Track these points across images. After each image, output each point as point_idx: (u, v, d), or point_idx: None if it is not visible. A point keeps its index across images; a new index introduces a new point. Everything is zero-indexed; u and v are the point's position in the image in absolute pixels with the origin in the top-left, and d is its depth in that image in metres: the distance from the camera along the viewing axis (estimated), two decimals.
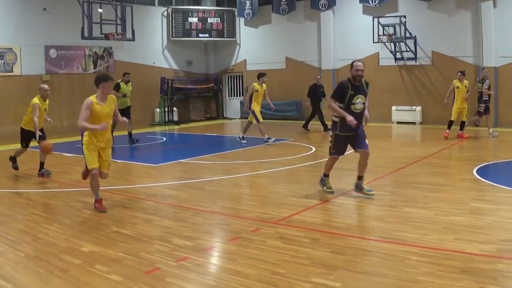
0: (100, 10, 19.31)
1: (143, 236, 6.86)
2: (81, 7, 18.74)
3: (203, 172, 11.83)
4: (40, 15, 20.59)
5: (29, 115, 11.13)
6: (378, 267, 5.48)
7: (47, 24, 20.79)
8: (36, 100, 11.16)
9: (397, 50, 21.72)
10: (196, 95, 27.26)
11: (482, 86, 16.26)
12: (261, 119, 15.95)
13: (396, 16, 20.88)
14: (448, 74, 20.39)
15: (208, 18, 26.46)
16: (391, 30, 21.06)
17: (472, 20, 20.25)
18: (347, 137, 8.61)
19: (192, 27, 26.20)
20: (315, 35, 24.57)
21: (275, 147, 15.34)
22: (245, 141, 16.24)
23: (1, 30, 19.67)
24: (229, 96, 28.65)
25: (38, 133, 11.04)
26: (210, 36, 26.71)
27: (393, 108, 22.07)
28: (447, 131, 16.34)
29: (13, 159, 11.88)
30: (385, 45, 21.45)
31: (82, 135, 8.28)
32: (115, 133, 13.75)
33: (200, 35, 26.45)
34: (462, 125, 16.41)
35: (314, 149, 14.74)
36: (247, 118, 16.99)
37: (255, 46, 26.72)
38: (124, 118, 8.78)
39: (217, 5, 27.85)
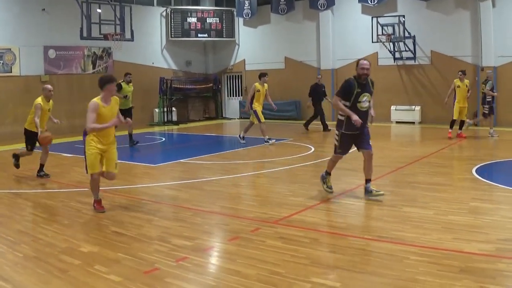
0: (99, 10, 19.33)
1: (142, 236, 6.85)
2: (80, 7, 18.75)
3: (202, 172, 11.83)
4: (39, 16, 20.59)
5: (32, 115, 11.06)
6: (378, 266, 5.47)
7: (46, 25, 20.80)
8: (39, 100, 11.07)
9: (396, 49, 21.75)
10: (195, 95, 27.26)
11: (485, 87, 16.23)
12: (262, 119, 15.93)
13: (395, 16, 20.91)
14: (447, 74, 20.42)
15: (207, 18, 26.46)
16: (390, 30, 21.08)
17: (471, 19, 20.27)
18: (353, 135, 8.52)
19: (191, 27, 26.21)
20: (314, 35, 24.58)
21: (274, 147, 15.34)
22: (244, 141, 16.24)
23: (0, 30, 19.69)
24: (228, 96, 28.65)
25: (39, 130, 10.92)
26: (209, 36, 26.71)
27: (392, 107, 22.08)
28: (450, 130, 16.32)
29: (16, 156, 11.75)
30: (384, 44, 21.46)
31: (84, 141, 8.13)
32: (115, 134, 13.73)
33: (199, 35, 26.46)
34: (462, 124, 16.41)
35: (313, 149, 14.74)
36: (248, 118, 16.99)
37: (254, 46, 26.73)
38: (128, 119, 8.69)
39: (216, 5, 27.85)
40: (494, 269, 5.26)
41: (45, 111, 11.13)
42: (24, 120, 19.22)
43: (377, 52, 22.28)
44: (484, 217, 7.30)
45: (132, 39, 20.55)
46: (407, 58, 21.72)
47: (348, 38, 23.49)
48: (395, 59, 21.84)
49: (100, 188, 8.41)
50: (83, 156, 8.18)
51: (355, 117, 8.18)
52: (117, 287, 5.12)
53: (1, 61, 19.72)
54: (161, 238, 6.72)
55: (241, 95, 27.73)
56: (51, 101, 11.41)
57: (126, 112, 14.87)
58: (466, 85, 16.25)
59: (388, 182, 9.90)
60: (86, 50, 22.42)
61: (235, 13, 26.82)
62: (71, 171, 12.14)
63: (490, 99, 16.21)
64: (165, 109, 25.04)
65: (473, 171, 10.73)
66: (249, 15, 26.20)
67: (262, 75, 16.16)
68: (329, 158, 9.30)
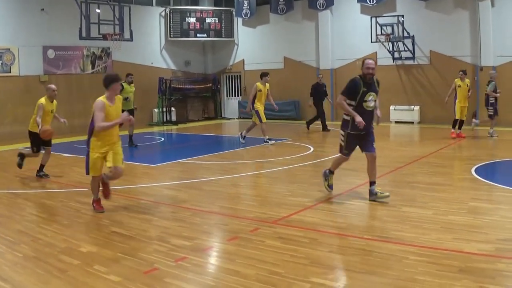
0: (98, 11, 19.31)
1: (142, 236, 6.85)
2: (79, 7, 18.73)
3: (202, 172, 11.83)
4: (38, 16, 20.59)
5: (34, 116, 10.98)
6: (377, 266, 5.47)
7: (45, 25, 20.80)
8: (42, 100, 10.99)
9: (395, 49, 21.77)
10: (194, 95, 27.25)
11: (487, 88, 16.19)
12: (264, 119, 15.88)
13: (394, 16, 20.91)
14: (446, 74, 20.45)
15: (206, 18, 26.47)
16: (389, 30, 21.09)
17: (470, 19, 20.28)
18: (358, 136, 8.39)
19: (190, 27, 26.21)
20: (313, 35, 24.59)
21: (273, 147, 15.34)
22: (243, 141, 16.22)
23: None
24: (227, 96, 28.65)
25: (40, 126, 10.79)
26: (208, 36, 26.71)
27: (391, 107, 22.08)
28: (453, 130, 16.30)
29: (21, 155, 11.63)
30: (383, 44, 21.47)
31: (89, 141, 8.10)
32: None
33: (198, 35, 26.46)
34: (461, 124, 16.41)
35: (312, 149, 14.74)
36: (250, 118, 16.96)
37: (253, 46, 26.73)
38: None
39: (215, 5, 27.85)
40: (494, 269, 5.27)
41: (47, 111, 11.03)
42: (24, 120, 19.30)
43: (376, 52, 22.26)
44: (483, 217, 7.30)
45: (131, 39, 20.54)
46: (406, 58, 21.74)
47: (347, 38, 23.50)
48: (394, 59, 21.86)
49: (100, 188, 8.39)
50: (85, 157, 8.15)
51: (358, 119, 8.08)
52: (117, 287, 5.12)
53: (0, 61, 19.72)
54: (160, 238, 6.72)
55: (240, 95, 27.74)
56: (55, 101, 11.31)
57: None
58: (467, 85, 16.24)
59: (387, 182, 9.90)
60: (85, 50, 22.41)
61: (234, 13, 26.82)
62: (71, 171, 12.14)
63: (493, 101, 16.13)
64: (164, 109, 25.04)
65: (473, 171, 10.74)
66: (248, 15, 26.20)
67: (263, 74, 16.11)
68: (332, 157, 9.27)
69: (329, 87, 21.95)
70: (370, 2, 22.23)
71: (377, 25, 20.98)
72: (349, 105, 8.29)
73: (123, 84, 15.60)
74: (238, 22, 27.13)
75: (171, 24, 25.90)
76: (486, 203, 8.16)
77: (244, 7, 26.20)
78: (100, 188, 8.32)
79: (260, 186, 10.66)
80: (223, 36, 27.00)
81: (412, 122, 21.57)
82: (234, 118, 27.23)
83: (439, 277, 5.08)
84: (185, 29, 26.11)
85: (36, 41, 20.60)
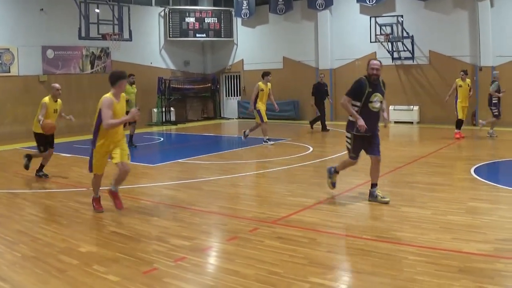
0: (97, 10, 19.31)
1: (141, 236, 6.85)
2: (78, 7, 18.73)
3: (201, 172, 11.83)
4: (37, 16, 20.59)
5: (37, 115, 10.90)
6: (376, 266, 5.47)
7: (44, 25, 20.80)
8: (46, 99, 10.93)
9: (394, 49, 21.77)
10: (194, 95, 27.25)
11: (490, 88, 16.17)
12: (265, 119, 15.84)
13: (393, 16, 20.91)
14: (445, 74, 20.48)
15: (205, 18, 26.47)
16: (388, 30, 21.08)
17: (469, 19, 20.29)
18: (364, 138, 8.28)
19: (189, 27, 26.21)
20: (312, 35, 24.59)
21: (273, 147, 15.34)
22: (244, 139, 16.17)
23: None
24: (226, 96, 28.64)
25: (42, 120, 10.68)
26: (207, 36, 26.71)
27: (391, 107, 22.04)
28: (457, 131, 16.26)
29: (28, 156, 11.50)
30: (382, 44, 21.47)
31: (94, 141, 7.88)
32: None
33: (197, 35, 26.46)
34: (461, 124, 16.38)
35: (312, 149, 14.74)
36: (247, 118, 16.93)
37: (252, 46, 26.73)
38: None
39: (214, 5, 27.84)
40: (493, 269, 5.27)
41: (51, 111, 10.93)
42: (23, 120, 19.36)
43: (375, 52, 22.24)
44: (482, 217, 7.30)
45: (130, 39, 20.54)
46: (406, 58, 21.74)
47: (346, 38, 23.51)
48: (393, 59, 21.85)
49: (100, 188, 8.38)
50: (90, 155, 8.05)
51: (360, 122, 8.00)
52: (116, 287, 5.12)
53: (0, 61, 19.70)
54: (160, 238, 6.72)
55: (240, 95, 27.73)
56: (59, 100, 11.23)
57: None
58: (468, 85, 16.23)
59: (386, 182, 9.90)
60: (85, 50, 22.41)
61: (233, 13, 26.81)
62: (70, 171, 12.14)
63: (496, 101, 16.10)
64: (164, 109, 25.04)
65: (472, 171, 10.74)
66: (247, 15, 26.20)
67: (265, 74, 16.06)
68: (331, 157, 9.25)
69: (328, 87, 21.93)
70: (370, 2, 22.23)
71: (377, 25, 20.97)
72: (354, 105, 8.20)
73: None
74: (237, 22, 27.13)
75: (170, 24, 25.90)
76: (485, 203, 8.16)
77: (243, 7, 26.20)
78: (103, 199, 8.23)
79: (260, 186, 10.66)
80: (222, 36, 27.00)
81: (412, 122, 21.57)
82: (233, 118, 27.23)
83: (438, 277, 5.08)
84: (184, 29, 26.11)
85: (35, 41, 20.60)
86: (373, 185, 8.43)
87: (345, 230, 7.01)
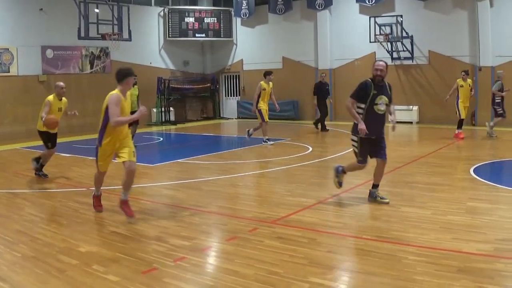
0: (96, 10, 19.32)
1: (140, 236, 6.85)
2: (77, 7, 18.73)
3: (200, 172, 11.83)
4: (36, 16, 20.57)
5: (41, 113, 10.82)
6: (376, 266, 5.47)
7: (44, 25, 20.78)
8: (50, 97, 10.84)
9: (393, 49, 21.77)
10: (193, 95, 27.24)
11: (493, 87, 16.14)
12: (266, 119, 15.79)
13: (393, 16, 20.91)
14: (445, 74, 20.49)
15: (205, 18, 26.45)
16: (387, 30, 21.09)
17: (469, 19, 20.29)
18: (371, 141, 8.20)
19: (189, 27, 26.20)
20: (312, 35, 24.59)
21: (272, 147, 15.32)
22: (248, 139, 16.10)
23: None
24: (225, 96, 28.64)
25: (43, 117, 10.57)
26: (207, 36, 26.70)
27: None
28: (460, 131, 16.22)
29: (37, 159, 11.35)
30: (381, 44, 21.46)
31: (101, 139, 7.66)
32: None
33: (197, 35, 26.45)
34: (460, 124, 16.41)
35: (311, 149, 14.73)
36: (245, 117, 16.88)
37: (252, 46, 26.73)
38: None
39: (213, 5, 27.84)
40: (492, 269, 5.27)
41: (55, 109, 10.84)
42: (23, 120, 19.34)
43: (374, 52, 22.26)
44: (482, 217, 7.30)
45: (129, 39, 20.54)
46: (405, 58, 21.73)
47: (346, 38, 23.50)
48: (392, 59, 21.83)
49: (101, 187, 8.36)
50: (95, 153, 7.88)
51: (361, 126, 7.96)
52: (115, 287, 5.12)
53: None
54: (159, 238, 6.72)
55: (239, 95, 27.72)
56: (64, 99, 11.13)
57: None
58: (469, 85, 16.24)
59: (386, 182, 9.88)
60: (84, 50, 22.39)
61: (232, 13, 26.80)
62: (70, 171, 12.13)
63: (499, 100, 16.09)
64: (163, 109, 25.03)
65: (471, 171, 10.74)
66: (247, 15, 26.19)
67: (267, 73, 16.00)
68: (330, 157, 9.21)
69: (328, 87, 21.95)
70: (369, 2, 22.22)
71: (376, 25, 20.97)
72: (359, 108, 8.13)
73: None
74: (236, 22, 27.12)
75: (170, 24, 25.89)
76: (485, 203, 8.16)
77: (242, 7, 26.18)
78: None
79: (259, 186, 10.66)
80: (221, 36, 26.99)
81: (411, 122, 21.56)
82: (232, 118, 27.21)
83: (438, 277, 5.08)
84: (183, 29, 26.10)
85: (34, 41, 20.58)
86: (374, 186, 8.42)
87: (345, 230, 7.00)
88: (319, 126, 19.60)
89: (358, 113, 8.14)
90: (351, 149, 8.60)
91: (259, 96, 15.71)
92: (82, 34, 18.98)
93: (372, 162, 8.55)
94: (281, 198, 8.94)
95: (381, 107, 8.13)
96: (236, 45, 27.41)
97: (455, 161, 12.72)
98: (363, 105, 8.11)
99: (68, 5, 19.56)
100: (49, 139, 11.20)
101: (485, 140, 15.89)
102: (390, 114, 8.47)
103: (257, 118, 16.16)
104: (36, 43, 20.69)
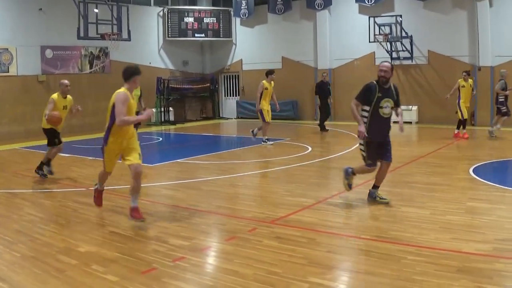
0: (96, 10, 19.31)
1: (140, 236, 6.85)
2: (77, 7, 18.72)
3: (200, 172, 11.83)
4: (36, 16, 20.56)
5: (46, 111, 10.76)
6: (375, 266, 5.47)
7: (43, 25, 20.77)
8: (54, 95, 10.79)
9: (393, 49, 21.76)
10: (192, 95, 27.24)
11: (496, 86, 16.14)
12: (267, 119, 15.74)
13: (392, 16, 20.91)
14: (444, 74, 20.50)
15: (204, 18, 26.45)
16: (387, 30, 21.09)
17: (468, 19, 20.29)
18: (377, 144, 8.17)
19: (188, 27, 26.19)
20: (311, 35, 24.59)
21: (272, 147, 15.32)
22: (254, 139, 16.08)
23: None
24: (225, 96, 28.64)
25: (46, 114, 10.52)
26: (206, 36, 26.69)
27: None
28: (464, 131, 16.23)
29: (48, 162, 11.21)
30: (381, 44, 21.46)
31: (106, 138, 7.46)
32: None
33: (196, 35, 26.44)
34: (459, 124, 16.39)
35: (310, 149, 14.73)
36: (244, 117, 16.85)
37: (251, 46, 26.73)
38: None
39: (213, 5, 27.83)
40: (492, 269, 5.27)
41: (60, 107, 10.78)
42: (23, 120, 19.33)
43: (374, 52, 22.30)
44: (481, 217, 7.31)
45: (129, 39, 20.53)
46: (404, 58, 21.73)
47: (345, 38, 23.50)
48: (392, 59, 21.80)
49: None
50: (101, 153, 7.70)
51: (361, 128, 7.94)
52: (115, 287, 5.12)
53: None
54: (158, 238, 6.72)
55: (238, 95, 27.72)
56: (69, 97, 11.06)
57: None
58: (471, 85, 16.24)
59: (385, 182, 9.85)
60: (83, 50, 22.38)
61: (232, 13, 26.80)
62: (69, 171, 12.13)
63: (502, 99, 16.07)
64: (162, 109, 25.03)
65: (471, 171, 10.75)
66: (246, 15, 26.18)
67: (269, 72, 15.95)
68: (329, 157, 9.18)
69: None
70: (368, 2, 22.22)
71: (375, 25, 20.97)
72: (364, 110, 8.07)
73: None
74: (236, 22, 27.12)
75: (169, 24, 25.88)
76: (484, 203, 8.16)
77: (242, 7, 26.18)
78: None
79: (258, 186, 10.66)
80: (221, 36, 26.99)
81: (410, 122, 21.55)
82: (232, 118, 27.21)
83: (437, 277, 5.08)
84: (183, 29, 26.10)
85: (34, 41, 20.57)
86: (375, 187, 8.40)
87: (344, 230, 7.01)
88: (324, 125, 19.58)
89: (363, 116, 8.08)
90: (360, 154, 8.43)
91: (261, 96, 15.67)
92: (82, 34, 18.98)
93: (361, 161, 8.54)
94: (280, 198, 8.94)
95: (386, 111, 8.06)
96: (236, 45, 27.41)
97: (455, 161, 12.72)
98: (367, 108, 8.03)
99: (68, 5, 19.54)
100: (55, 136, 11.11)
101: (485, 140, 15.89)
102: (397, 115, 8.40)
103: (258, 118, 16.11)
104: (36, 43, 20.68)
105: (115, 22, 19.57)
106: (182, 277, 5.36)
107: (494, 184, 9.37)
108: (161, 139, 19.98)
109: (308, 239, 6.50)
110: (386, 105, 8.03)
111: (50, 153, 11.23)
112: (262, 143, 15.63)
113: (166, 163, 13.10)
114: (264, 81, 15.79)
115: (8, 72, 19.93)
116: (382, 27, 21.01)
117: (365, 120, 8.07)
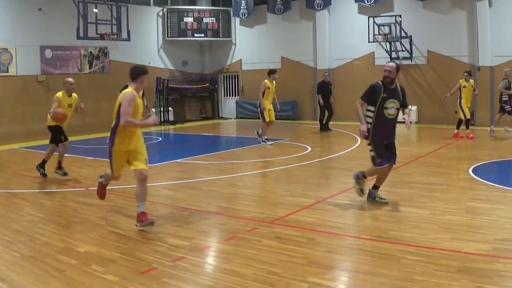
0: (95, 10, 19.30)
1: (139, 236, 6.84)
2: (76, 7, 18.70)
3: (199, 172, 11.83)
4: (35, 15, 20.55)
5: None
6: (375, 266, 5.47)
7: (43, 25, 20.76)
8: (59, 94, 10.79)
9: (392, 49, 21.76)
10: (192, 95, 27.24)
11: (499, 85, 16.15)
12: (267, 119, 15.74)
13: (392, 16, 20.92)
14: (443, 74, 20.51)
15: (204, 18, 26.44)
16: (386, 30, 21.10)
17: (468, 19, 20.30)
18: (384, 145, 8.12)
19: (188, 27, 26.19)
20: (311, 35, 24.58)
21: (271, 147, 15.32)
22: (261, 139, 16.00)
23: None
24: (224, 96, 28.64)
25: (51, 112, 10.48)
26: (206, 36, 26.69)
27: None
28: (468, 131, 16.23)
29: (59, 165, 11.10)
30: (380, 44, 21.47)
31: (113, 139, 7.30)
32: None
33: (196, 35, 26.44)
34: (459, 124, 16.41)
35: (310, 148, 14.73)
36: (243, 117, 16.83)
37: (251, 45, 26.72)
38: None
39: (212, 5, 27.83)
40: (492, 269, 5.27)
41: (65, 105, 10.74)
42: (22, 120, 19.31)
43: (373, 52, 22.31)
44: (481, 217, 7.31)
45: (128, 39, 20.52)
46: (404, 58, 21.72)
47: (345, 38, 23.50)
48: (391, 59, 21.77)
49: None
50: (109, 155, 7.46)
51: (363, 127, 7.92)
52: (114, 287, 5.12)
53: None
54: (158, 238, 6.72)
55: (238, 95, 27.72)
56: (74, 95, 11.04)
57: None
58: (472, 85, 16.24)
59: (385, 182, 9.87)
60: (83, 50, 22.38)
61: (231, 13, 26.80)
62: (68, 171, 12.07)
63: (506, 98, 16.06)
64: (162, 109, 25.02)
65: (470, 170, 10.75)
66: (246, 15, 26.18)
67: (271, 72, 15.96)
68: (329, 157, 9.17)
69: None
70: (368, 2, 22.23)
71: (375, 25, 20.98)
72: (369, 111, 8.03)
73: (129, 85, 14.93)
74: (235, 22, 27.12)
75: (169, 24, 25.88)
76: (484, 203, 8.16)
77: (241, 7, 26.18)
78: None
79: (258, 186, 10.65)
80: (220, 36, 26.99)
81: (410, 122, 21.50)
82: (231, 118, 27.20)
83: (437, 277, 5.08)
84: (182, 29, 26.10)
85: (33, 41, 20.56)
86: (375, 187, 8.39)
87: (344, 230, 7.01)
88: (329, 125, 19.58)
89: (368, 116, 8.04)
90: (369, 156, 8.32)
91: (263, 95, 15.65)
92: (81, 34, 18.96)
93: (365, 162, 8.53)
94: (280, 198, 8.94)
95: (391, 111, 7.99)
96: (235, 45, 27.41)
97: (454, 161, 12.72)
98: (372, 108, 7.98)
99: (67, 5, 19.53)
100: (60, 133, 11.06)
101: (484, 140, 15.89)
102: (403, 114, 8.36)
103: (258, 118, 16.08)
104: (35, 43, 20.67)
105: (114, 22, 19.56)
106: (182, 277, 5.36)
107: (494, 184, 9.37)
108: (160, 139, 19.97)
109: (308, 239, 6.50)
110: (391, 106, 7.97)
111: (51, 151, 11.23)
112: (262, 143, 15.63)
113: (165, 163, 13.09)
114: (266, 80, 15.82)
115: (7, 72, 19.92)
116: (382, 27, 21.02)
117: (370, 120, 8.02)
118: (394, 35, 20.93)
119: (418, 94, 21.70)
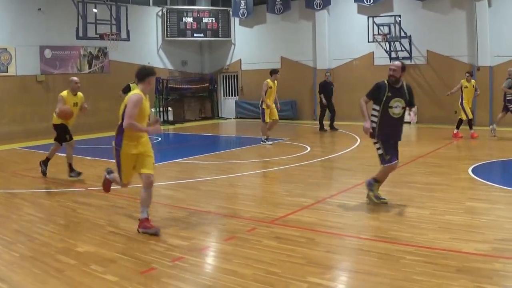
0: (95, 10, 19.28)
1: (139, 236, 6.83)
2: (76, 7, 18.69)
3: (199, 172, 11.82)
4: (35, 15, 20.53)
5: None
6: (374, 266, 5.47)
7: (42, 25, 20.74)
8: (64, 93, 10.82)
9: (392, 49, 21.74)
10: (191, 95, 27.24)
11: (503, 85, 16.17)
12: (267, 119, 15.72)
13: (391, 16, 20.91)
14: (443, 74, 20.51)
15: (203, 18, 26.44)
16: (386, 30, 21.08)
17: (467, 19, 20.29)
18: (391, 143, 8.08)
19: (187, 27, 26.18)
20: (310, 35, 24.58)
21: (270, 147, 15.31)
22: (268, 141, 15.99)
23: None
24: (224, 96, 28.63)
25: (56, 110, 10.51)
26: (205, 36, 26.68)
27: None
28: (472, 131, 16.23)
29: (70, 167, 11.09)
30: (380, 44, 21.45)
31: (120, 141, 7.05)
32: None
33: (195, 35, 26.43)
34: (459, 124, 16.40)
35: (309, 148, 14.73)
36: (243, 117, 16.81)
37: (250, 45, 26.72)
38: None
39: (212, 5, 27.81)
40: (491, 269, 5.27)
41: (70, 104, 10.75)
42: (22, 120, 19.30)
43: (373, 52, 22.29)
44: (480, 217, 7.31)
45: (128, 39, 20.50)
46: (403, 58, 21.64)
47: (344, 37, 23.50)
48: (391, 58, 21.77)
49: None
50: (116, 159, 7.23)
51: (366, 124, 7.90)
52: (114, 287, 5.11)
53: None
54: (158, 238, 6.71)
55: (237, 95, 27.72)
56: (79, 94, 11.07)
57: None
58: (473, 86, 16.25)
59: (384, 182, 9.87)
60: (82, 50, 22.36)
61: (231, 13, 26.79)
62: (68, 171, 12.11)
63: (510, 97, 16.02)
64: (161, 109, 25.01)
65: (470, 170, 10.75)
66: (245, 15, 26.18)
67: (273, 71, 15.96)
68: (328, 157, 9.17)
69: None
70: (367, 2, 22.23)
71: (374, 25, 20.97)
72: (374, 110, 8.00)
73: (130, 85, 14.72)
74: (235, 22, 27.11)
75: (168, 24, 25.87)
76: (484, 203, 8.16)
77: (241, 7, 26.17)
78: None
79: (257, 186, 10.65)
80: (220, 36, 26.99)
81: (409, 122, 21.54)
82: (231, 118, 27.19)
83: (436, 277, 5.08)
84: (182, 29, 26.09)
85: (33, 41, 20.54)
86: (375, 180, 8.36)
87: (344, 230, 7.00)
88: (334, 125, 19.58)
89: (373, 115, 8.02)
90: (377, 156, 8.28)
91: (265, 95, 15.65)
92: (81, 34, 18.94)
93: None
94: (279, 198, 8.94)
95: (396, 111, 7.93)
96: (235, 45, 27.40)
97: (454, 161, 12.71)
98: (377, 107, 7.96)
99: (67, 5, 19.50)
100: (66, 131, 11.05)
101: (484, 140, 15.90)
102: (409, 114, 8.30)
103: (258, 118, 16.06)
104: (35, 43, 20.65)
105: (114, 22, 19.53)
106: (181, 277, 5.36)
107: (494, 184, 9.37)
108: (160, 139, 19.95)
109: (307, 239, 6.50)
110: (396, 105, 7.91)
111: (54, 150, 11.25)
112: (261, 142, 15.63)
113: (165, 163, 13.08)
114: (268, 80, 15.83)
115: (7, 72, 19.90)
116: (381, 27, 21.01)
117: (375, 119, 8.00)
118: (393, 35, 20.92)
119: (417, 94, 21.34)
